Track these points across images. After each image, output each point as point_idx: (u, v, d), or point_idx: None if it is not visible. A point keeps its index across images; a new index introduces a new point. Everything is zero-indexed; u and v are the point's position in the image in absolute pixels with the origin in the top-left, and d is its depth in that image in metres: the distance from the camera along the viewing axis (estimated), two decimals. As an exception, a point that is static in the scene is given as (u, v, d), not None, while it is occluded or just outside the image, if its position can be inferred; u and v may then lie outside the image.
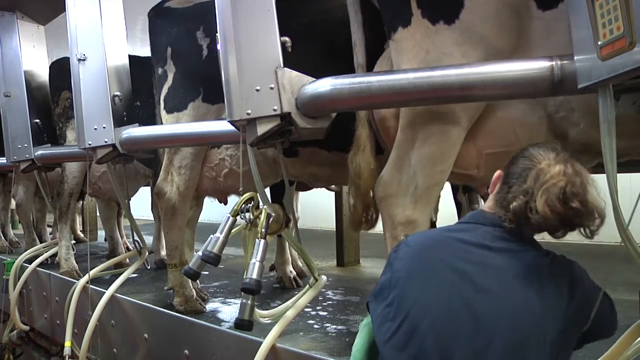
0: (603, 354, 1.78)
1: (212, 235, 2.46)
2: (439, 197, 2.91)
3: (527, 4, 1.99)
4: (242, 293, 2.29)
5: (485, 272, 1.43)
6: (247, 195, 2.45)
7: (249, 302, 2.30)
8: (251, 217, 2.43)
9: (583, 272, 1.54)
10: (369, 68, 2.48)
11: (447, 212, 3.11)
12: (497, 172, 1.61)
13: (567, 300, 1.42)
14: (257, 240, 2.35)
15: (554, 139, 2.15)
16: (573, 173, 1.43)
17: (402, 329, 1.43)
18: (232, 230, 2.46)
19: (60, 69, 4.83)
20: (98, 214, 7.31)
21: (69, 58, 4.54)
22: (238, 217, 2.45)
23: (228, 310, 3.44)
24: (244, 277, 2.28)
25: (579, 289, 1.46)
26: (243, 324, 2.30)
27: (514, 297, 1.39)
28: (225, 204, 3.69)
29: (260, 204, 2.50)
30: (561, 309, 1.40)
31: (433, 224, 2.67)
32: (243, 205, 2.43)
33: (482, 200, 3.20)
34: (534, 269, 1.44)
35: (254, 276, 2.25)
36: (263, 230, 2.36)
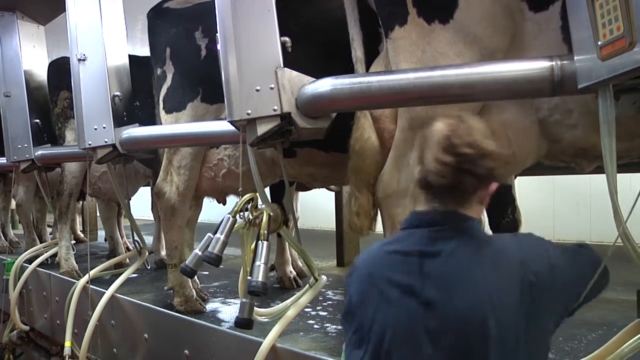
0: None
1: (209, 234, 2.45)
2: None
3: (519, 5, 2.00)
4: (249, 295, 2.30)
5: (426, 281, 1.34)
6: (248, 195, 2.45)
7: (249, 301, 2.31)
8: (250, 217, 2.43)
9: (539, 246, 1.43)
10: (368, 63, 2.48)
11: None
12: None
13: (524, 287, 1.31)
14: (260, 242, 2.35)
15: (547, 142, 2.15)
16: (457, 122, 1.39)
17: (367, 355, 1.39)
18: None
19: (59, 69, 4.84)
20: (98, 214, 7.31)
21: (67, 58, 4.55)
22: (237, 217, 2.45)
23: (228, 310, 3.44)
24: (251, 279, 2.28)
25: (538, 270, 1.35)
26: (243, 322, 2.31)
27: (457, 305, 1.31)
28: (224, 204, 3.69)
29: (260, 204, 2.50)
30: (516, 300, 1.30)
31: None
32: (242, 206, 2.44)
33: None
34: (475, 265, 1.34)
35: (260, 278, 2.25)
36: (265, 232, 2.36)
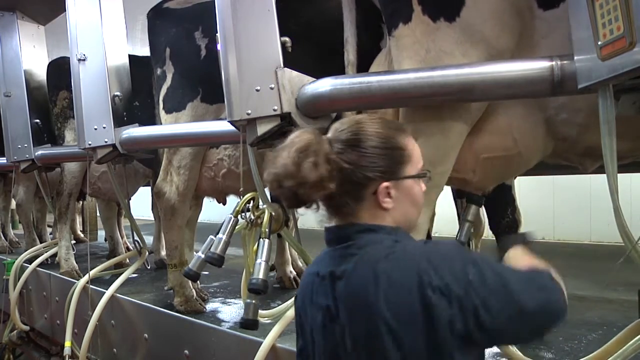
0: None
1: (211, 237, 2.46)
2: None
3: (528, 3, 1.98)
4: (249, 293, 2.30)
5: (338, 304, 1.29)
6: (249, 195, 2.45)
7: (254, 301, 2.31)
8: (252, 217, 2.43)
9: (454, 259, 1.22)
10: (361, 66, 2.47)
11: (446, 214, 3.11)
12: None
13: (422, 304, 1.17)
14: (261, 240, 2.35)
15: (554, 142, 2.14)
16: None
17: None
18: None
19: (58, 69, 4.83)
20: (98, 214, 7.31)
21: (66, 57, 4.54)
22: (239, 217, 2.45)
23: (228, 310, 3.44)
24: (251, 277, 2.28)
25: (441, 285, 1.16)
26: (249, 323, 2.31)
27: (360, 327, 1.24)
28: (224, 204, 3.69)
29: (261, 203, 2.50)
30: (412, 318, 1.17)
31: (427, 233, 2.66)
32: (244, 206, 2.44)
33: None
34: (371, 284, 1.22)
35: (261, 276, 2.25)
36: (266, 230, 2.36)
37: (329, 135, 1.36)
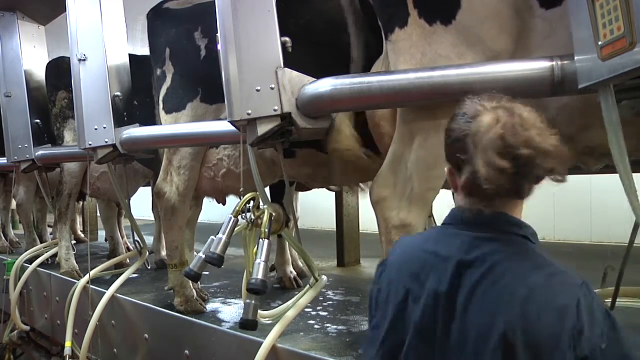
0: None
1: (212, 237, 2.46)
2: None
3: (529, 3, 1.96)
4: (248, 293, 2.30)
5: (458, 293, 1.23)
6: (249, 195, 2.45)
7: (253, 301, 2.31)
8: (252, 217, 2.43)
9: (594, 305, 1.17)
10: (367, 68, 2.47)
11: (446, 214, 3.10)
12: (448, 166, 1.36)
13: (564, 347, 1.10)
14: (260, 240, 2.35)
15: None
16: (507, 115, 1.19)
17: (380, 352, 1.34)
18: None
19: (56, 69, 4.84)
20: (98, 214, 7.31)
21: (65, 57, 4.54)
22: (239, 218, 2.45)
23: (228, 311, 3.44)
24: (250, 277, 2.28)
25: (579, 339, 1.11)
26: (248, 323, 2.30)
27: (476, 321, 1.19)
28: (224, 204, 3.69)
29: (261, 204, 2.50)
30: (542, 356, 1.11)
31: None
32: (244, 206, 2.44)
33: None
34: (514, 299, 1.16)
35: (260, 276, 2.25)
36: (266, 230, 2.36)
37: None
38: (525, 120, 1.19)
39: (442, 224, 1.38)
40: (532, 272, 1.19)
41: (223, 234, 2.40)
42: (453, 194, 3.27)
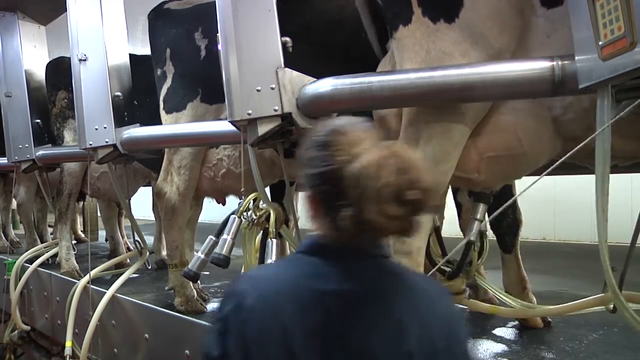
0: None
1: (211, 237, 2.46)
2: (445, 203, 2.91)
3: (531, 2, 1.97)
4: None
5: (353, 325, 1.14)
6: (253, 195, 2.45)
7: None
8: (254, 217, 2.43)
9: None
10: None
11: (447, 214, 3.10)
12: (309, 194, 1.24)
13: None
14: (269, 240, 2.37)
15: (562, 142, 2.13)
16: (390, 154, 1.11)
17: None
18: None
19: (56, 69, 4.84)
20: (99, 214, 7.31)
21: (65, 58, 4.54)
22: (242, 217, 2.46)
23: (229, 311, 3.44)
24: None
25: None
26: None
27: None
28: (224, 204, 3.69)
29: (261, 204, 2.50)
30: None
31: (437, 230, 2.66)
32: (247, 206, 2.45)
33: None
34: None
35: None
36: (274, 230, 2.37)
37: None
38: (408, 160, 1.12)
39: (302, 252, 1.25)
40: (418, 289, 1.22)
41: (227, 234, 2.40)
42: (454, 194, 3.27)
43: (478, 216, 2.55)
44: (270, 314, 1.13)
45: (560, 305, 2.38)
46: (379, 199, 1.08)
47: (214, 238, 2.45)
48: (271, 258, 2.31)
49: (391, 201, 1.08)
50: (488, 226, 2.84)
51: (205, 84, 3.25)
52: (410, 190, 1.09)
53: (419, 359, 1.11)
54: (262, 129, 2.30)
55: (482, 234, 2.66)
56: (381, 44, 2.48)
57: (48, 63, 5.02)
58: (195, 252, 3.18)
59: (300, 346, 1.10)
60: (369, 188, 1.08)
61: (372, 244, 1.21)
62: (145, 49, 4.00)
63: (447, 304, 1.25)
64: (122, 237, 6.08)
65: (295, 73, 2.28)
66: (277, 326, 1.12)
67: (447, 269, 2.65)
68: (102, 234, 7.19)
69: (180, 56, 3.42)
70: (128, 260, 4.79)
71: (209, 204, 3.92)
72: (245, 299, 1.18)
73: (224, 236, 2.39)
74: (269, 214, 2.46)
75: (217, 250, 2.37)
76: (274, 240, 2.36)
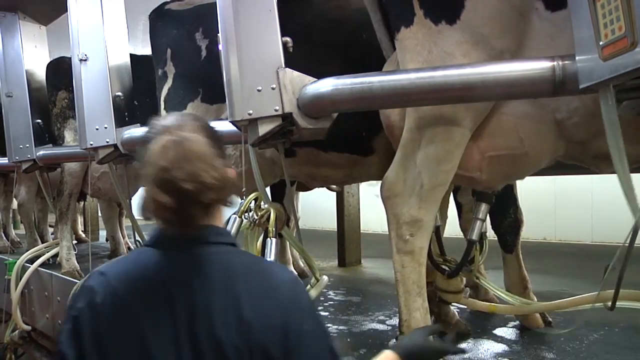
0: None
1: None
2: (448, 203, 2.91)
3: (533, 4, 1.98)
4: None
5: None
6: (253, 195, 2.45)
7: None
8: (255, 216, 2.43)
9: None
10: None
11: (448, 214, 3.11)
12: None
13: None
14: (269, 239, 2.37)
15: (566, 144, 2.13)
16: (175, 145, 1.15)
17: None
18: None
19: (57, 69, 4.84)
20: (99, 214, 7.32)
21: (65, 58, 4.54)
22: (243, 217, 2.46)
23: (229, 311, 3.44)
24: None
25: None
26: None
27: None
28: (226, 204, 3.69)
29: (263, 203, 2.50)
30: None
31: (438, 229, 2.66)
32: (248, 206, 2.45)
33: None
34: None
35: None
36: (274, 229, 2.37)
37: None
38: (193, 153, 1.14)
39: (146, 245, 1.28)
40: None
41: (229, 234, 2.40)
42: (454, 194, 3.27)
43: (480, 216, 2.56)
44: (120, 308, 1.16)
45: (558, 301, 2.38)
46: (151, 183, 1.14)
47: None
48: (270, 257, 2.31)
49: (160, 187, 1.12)
50: (489, 226, 2.84)
51: (206, 84, 3.26)
52: (183, 180, 1.11)
53: (232, 345, 1.11)
54: (263, 129, 2.30)
55: (481, 234, 2.66)
56: (392, 44, 2.48)
57: (48, 63, 5.02)
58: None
59: (149, 335, 1.13)
60: (147, 172, 1.15)
61: (202, 232, 1.23)
62: (145, 49, 4.00)
63: (285, 292, 1.20)
64: (123, 237, 6.08)
65: (295, 73, 2.28)
66: (126, 319, 1.14)
67: (447, 268, 2.66)
68: (102, 234, 7.20)
69: (181, 56, 3.42)
70: (129, 260, 4.78)
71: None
72: (95, 296, 1.18)
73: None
74: (275, 213, 2.46)
75: None
76: (274, 240, 2.36)
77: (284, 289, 1.21)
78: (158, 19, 3.60)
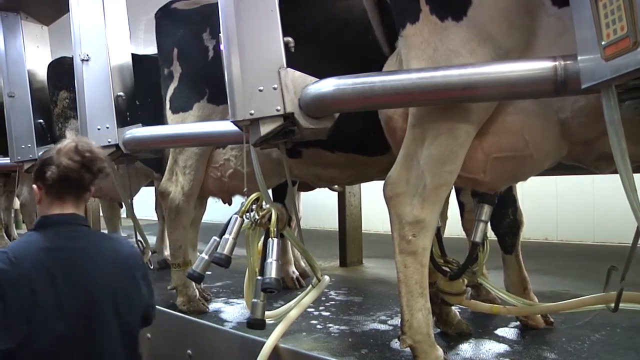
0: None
1: (214, 238, 2.46)
2: (447, 204, 2.90)
3: (541, 1, 1.97)
4: (262, 293, 2.31)
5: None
6: (254, 195, 2.45)
7: (260, 301, 2.32)
8: (256, 217, 2.43)
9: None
10: None
11: (449, 214, 3.11)
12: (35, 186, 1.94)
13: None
14: (270, 239, 2.37)
15: (569, 145, 2.13)
16: (79, 138, 1.97)
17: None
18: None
19: (58, 69, 4.84)
20: (101, 214, 7.32)
21: (66, 58, 4.54)
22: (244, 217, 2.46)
23: (231, 310, 3.45)
24: (264, 277, 2.28)
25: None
26: (256, 323, 2.32)
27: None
28: (230, 204, 3.69)
29: (265, 204, 2.50)
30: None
31: (438, 230, 2.65)
32: (249, 206, 2.45)
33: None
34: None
35: (273, 275, 2.27)
36: (275, 229, 2.37)
37: None
38: (89, 142, 1.97)
39: (33, 230, 1.93)
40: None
41: (229, 234, 2.40)
42: (457, 194, 3.26)
43: (483, 218, 2.53)
44: (17, 269, 1.75)
45: (560, 302, 2.37)
46: (67, 152, 1.88)
47: (217, 239, 2.45)
48: (271, 257, 2.31)
49: (72, 152, 1.88)
50: (489, 227, 2.83)
51: (212, 85, 3.25)
52: (86, 151, 1.89)
53: (101, 293, 1.85)
54: (265, 129, 2.30)
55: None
56: (389, 43, 2.48)
57: (50, 63, 5.02)
58: (198, 253, 3.18)
59: (39, 287, 1.74)
60: (63, 149, 1.89)
61: (72, 218, 1.92)
62: (147, 49, 4.01)
63: (125, 256, 2.00)
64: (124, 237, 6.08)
65: (297, 73, 2.28)
66: (21, 276, 1.74)
67: (448, 270, 2.65)
68: (104, 233, 7.18)
69: (187, 56, 3.43)
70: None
71: (213, 204, 3.93)
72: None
73: (226, 236, 2.40)
74: (277, 213, 2.46)
75: (218, 249, 2.37)
76: (275, 240, 2.36)
77: (123, 253, 2.02)
78: (164, 18, 3.60)
